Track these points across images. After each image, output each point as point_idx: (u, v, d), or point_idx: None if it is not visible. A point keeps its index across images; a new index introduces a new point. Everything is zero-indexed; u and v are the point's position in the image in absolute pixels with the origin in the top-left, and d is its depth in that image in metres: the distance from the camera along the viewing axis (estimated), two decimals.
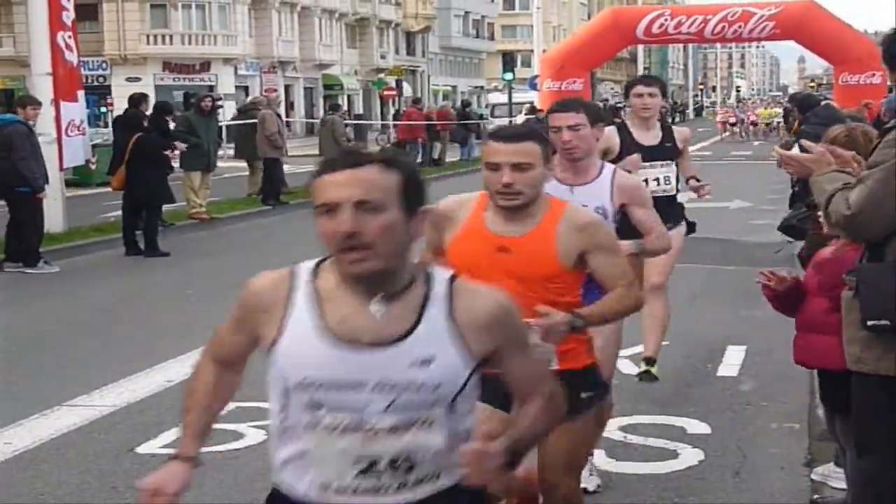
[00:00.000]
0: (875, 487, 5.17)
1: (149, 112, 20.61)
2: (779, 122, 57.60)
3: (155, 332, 12.40)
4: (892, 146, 4.90)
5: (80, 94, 21.22)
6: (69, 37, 20.62)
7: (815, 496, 6.49)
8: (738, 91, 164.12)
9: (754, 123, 68.65)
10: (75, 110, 20.65)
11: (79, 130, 20.59)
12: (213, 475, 7.47)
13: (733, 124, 70.34)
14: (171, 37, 71.45)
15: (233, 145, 34.26)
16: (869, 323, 4.92)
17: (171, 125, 22.36)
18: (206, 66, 71.85)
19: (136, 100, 20.65)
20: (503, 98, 62.22)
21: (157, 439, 8.28)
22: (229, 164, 40.31)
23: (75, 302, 14.82)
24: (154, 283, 16.02)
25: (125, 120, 20.21)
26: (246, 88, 74.23)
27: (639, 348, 10.95)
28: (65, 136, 20.15)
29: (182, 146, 21.12)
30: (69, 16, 20.74)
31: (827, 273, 5.57)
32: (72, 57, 20.75)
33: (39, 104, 18.22)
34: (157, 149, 19.14)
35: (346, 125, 35.45)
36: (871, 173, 4.91)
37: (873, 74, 40.26)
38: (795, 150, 6.47)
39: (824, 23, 45.24)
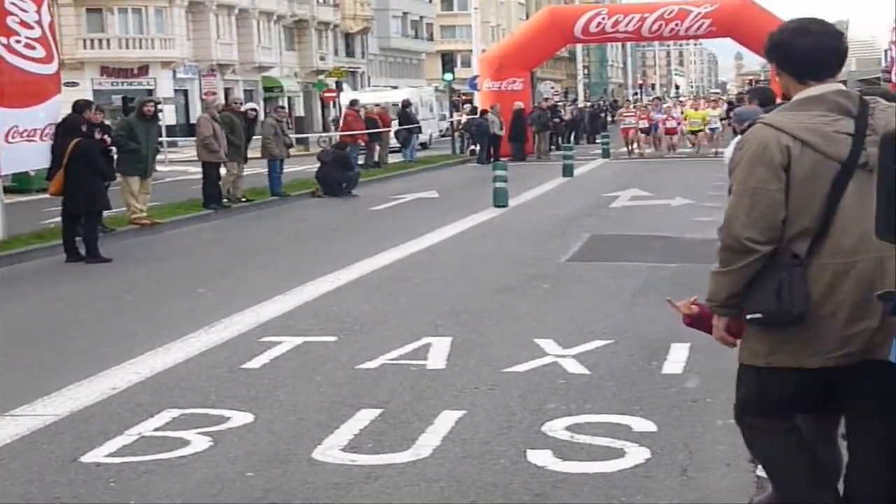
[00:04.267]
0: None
1: (95, 118, 20.41)
2: (713, 130, 45.51)
3: (98, 339, 12.30)
4: (742, 147, 5.17)
5: (53, 100, 20.97)
6: (19, 42, 20.42)
7: (755, 498, 6.52)
8: (676, 88, 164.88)
9: (670, 132, 47.22)
10: (21, 117, 20.39)
11: (23, 137, 20.35)
12: (159, 483, 7.42)
13: (645, 131, 48.15)
14: (108, 41, 70.99)
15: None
16: (748, 316, 5.17)
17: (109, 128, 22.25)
18: (144, 69, 71.45)
19: (80, 106, 20.48)
20: (361, 97, 55.64)
21: (102, 448, 8.19)
22: (171, 168, 40.16)
23: (15, 310, 14.71)
24: (96, 290, 15.91)
25: (65, 126, 20.03)
26: (185, 92, 73.96)
27: (586, 345, 11.02)
28: (4, 143, 19.97)
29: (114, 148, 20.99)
30: (20, 19, 20.52)
31: None
32: (22, 63, 20.55)
33: None
34: (96, 154, 19.00)
35: (287, 127, 35.28)
36: (733, 179, 5.17)
37: None
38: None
39: (760, 19, 45.44)
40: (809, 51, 5.20)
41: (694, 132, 46.69)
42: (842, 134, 5.04)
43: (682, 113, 48.92)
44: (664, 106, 51.77)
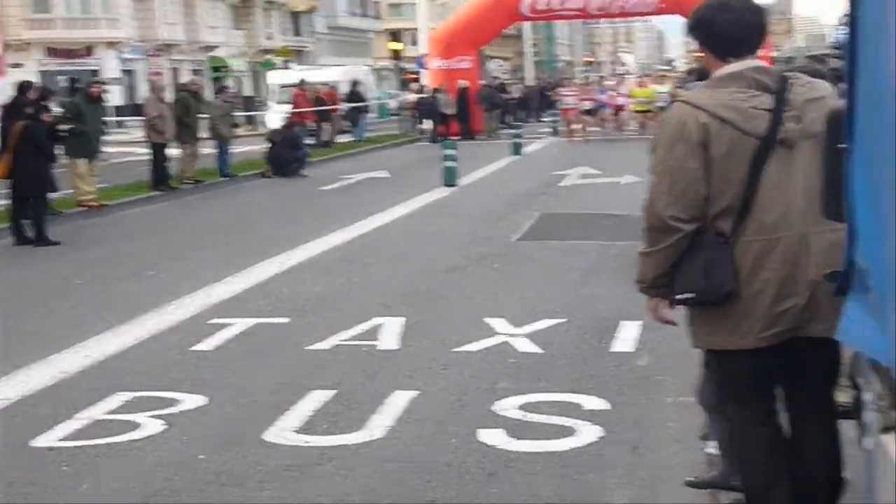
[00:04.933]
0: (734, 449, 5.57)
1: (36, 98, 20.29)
2: (662, 108, 36.52)
3: (47, 322, 12.24)
4: (662, 127, 5.18)
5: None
6: None
7: (689, 477, 6.60)
8: (624, 66, 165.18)
9: (619, 109, 44.32)
10: None
11: None
12: (112, 467, 7.41)
13: (589, 112, 43.72)
14: (53, 21, 70.34)
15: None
16: (677, 297, 5.21)
17: (55, 110, 22.08)
18: (89, 50, 70.81)
19: (24, 87, 20.33)
20: (291, 77, 54.67)
21: (53, 431, 8.18)
22: (119, 149, 39.89)
23: None
24: (44, 273, 15.80)
25: (11, 107, 19.85)
26: (131, 73, 73.36)
27: (538, 324, 11.05)
28: None
29: (65, 126, 20.85)
30: None
31: None
32: None
33: None
34: (43, 137, 18.87)
35: (235, 107, 35.14)
36: (654, 157, 5.18)
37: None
38: None
39: None
40: (731, 27, 5.20)
41: (641, 111, 42.82)
42: (760, 110, 5.05)
43: (627, 91, 45.25)
44: (608, 83, 48.69)
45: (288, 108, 44.80)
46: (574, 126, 43.07)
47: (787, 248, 5.02)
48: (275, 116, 47.47)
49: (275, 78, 59.13)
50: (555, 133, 45.11)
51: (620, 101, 43.87)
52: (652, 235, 5.16)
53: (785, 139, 5.01)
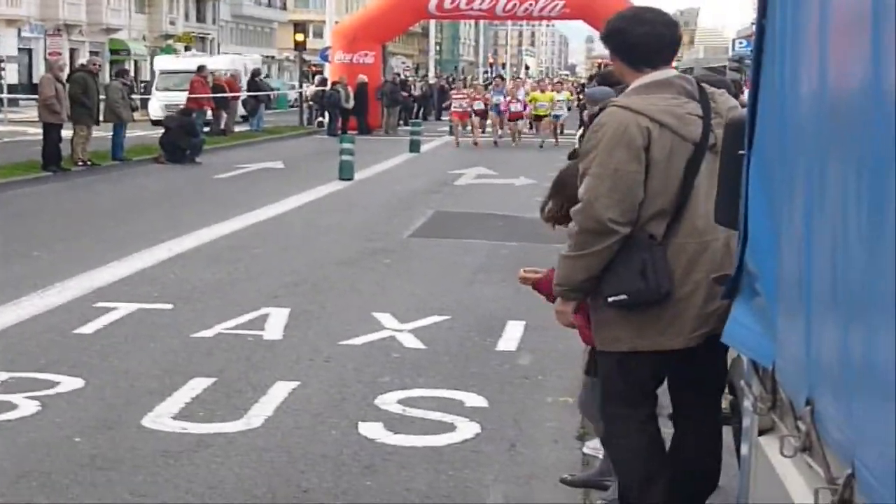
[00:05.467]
0: (616, 453, 5.62)
1: None
2: (557, 117, 41.04)
3: None
4: (597, 131, 5.18)
5: None
6: None
7: (563, 475, 6.66)
8: (526, 69, 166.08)
9: (516, 117, 41.52)
10: None
11: None
12: None
13: (480, 113, 41.72)
14: None
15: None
16: (609, 299, 5.20)
17: None
18: None
19: None
20: (175, 63, 54.07)
21: None
22: (10, 128, 39.33)
23: None
24: None
25: None
26: (30, 51, 72.35)
27: (424, 321, 11.06)
28: None
29: None
30: None
31: None
32: None
33: None
34: None
35: (131, 92, 34.72)
36: (590, 162, 5.18)
37: None
38: None
39: (612, 3, 45.79)
40: (644, 38, 5.28)
41: (539, 117, 41.43)
42: (693, 116, 5.15)
43: (526, 95, 43.30)
44: (506, 87, 45.45)
45: (170, 94, 44.32)
46: (464, 129, 41.66)
47: (715, 250, 5.12)
48: (156, 103, 46.85)
49: (158, 63, 56.81)
50: (451, 132, 43.46)
51: (517, 106, 41.48)
52: (586, 238, 5.16)
53: (714, 145, 5.08)
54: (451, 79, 67.88)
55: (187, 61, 51.71)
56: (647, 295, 5.11)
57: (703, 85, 5.34)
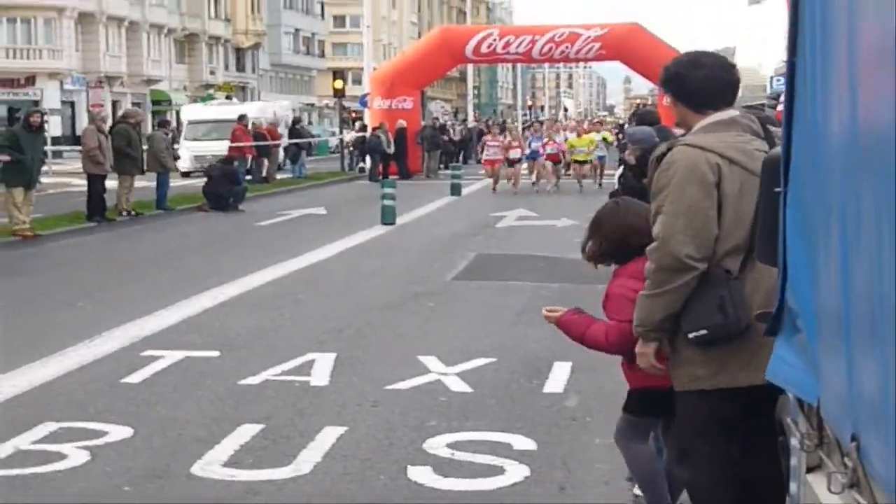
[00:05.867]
0: (698, 496, 5.49)
1: None
2: (601, 159, 39.51)
3: None
4: (668, 169, 5.22)
5: None
6: None
7: None
8: (565, 111, 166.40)
9: (554, 159, 38.66)
10: None
11: None
12: (35, 497, 7.35)
13: (513, 162, 38.54)
14: None
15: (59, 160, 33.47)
16: (690, 335, 5.19)
17: None
18: (31, 80, 70.53)
19: None
20: (203, 112, 52.25)
21: None
22: (54, 179, 39.66)
23: None
24: None
25: None
26: (72, 104, 73.10)
27: (469, 364, 11.07)
28: None
29: (5, 157, 20.75)
30: None
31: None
32: None
33: None
34: None
35: (174, 142, 34.95)
36: (662, 200, 5.22)
37: None
38: None
39: (648, 45, 46.08)
40: (704, 82, 5.37)
41: (580, 162, 39.04)
42: (760, 152, 5.17)
43: (565, 140, 40.48)
44: (550, 123, 44.18)
45: (198, 144, 44.23)
46: (498, 177, 38.47)
47: None
48: (185, 154, 45.24)
49: (186, 113, 55.03)
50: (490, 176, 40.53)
51: (553, 148, 38.70)
52: (662, 276, 5.20)
53: None
54: (489, 122, 67.58)
55: (215, 110, 50.92)
56: (726, 329, 5.12)
57: (767, 125, 5.40)
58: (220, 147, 40.19)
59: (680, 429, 5.52)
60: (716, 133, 5.26)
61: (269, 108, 52.70)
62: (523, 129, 50.83)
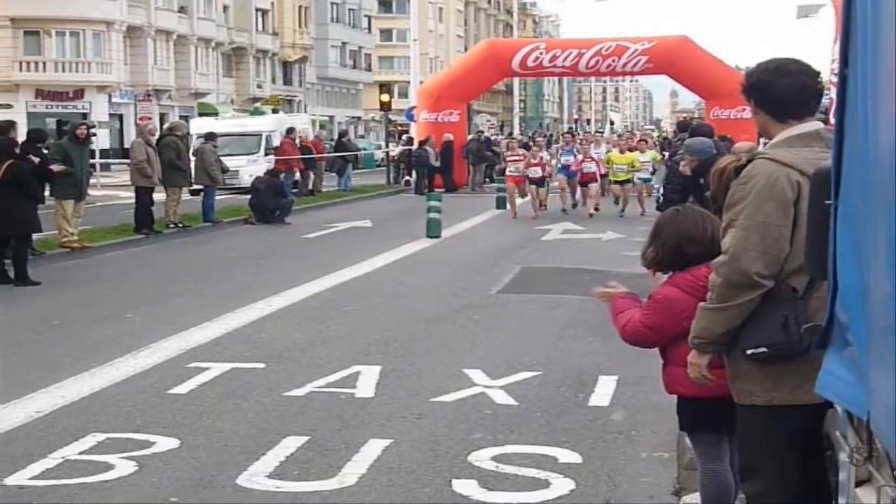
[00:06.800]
0: None
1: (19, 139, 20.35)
2: (645, 182, 32.93)
3: (23, 362, 12.19)
4: (746, 182, 5.11)
5: None
6: None
7: None
8: (611, 124, 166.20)
9: (587, 180, 33.54)
10: None
11: None
12: None
13: (537, 181, 33.12)
14: (44, 63, 70.45)
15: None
16: (748, 352, 5.12)
17: (45, 152, 22.13)
18: (79, 93, 70.98)
19: (3, 127, 20.35)
20: (213, 126, 39.90)
21: (26, 470, 8.14)
22: (102, 192, 39.90)
23: None
24: (23, 314, 15.75)
25: None
26: (121, 116, 73.56)
27: (515, 377, 11.05)
28: None
29: (60, 167, 20.89)
30: None
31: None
32: None
33: None
34: (28, 177, 18.85)
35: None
36: (737, 213, 5.11)
37: (743, 109, 40.60)
38: None
39: (696, 58, 45.94)
40: (790, 90, 5.25)
41: (620, 182, 33.18)
42: None
43: (606, 154, 35.22)
44: (584, 136, 36.76)
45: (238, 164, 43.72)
46: (518, 198, 33.59)
47: None
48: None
49: (195, 127, 45.94)
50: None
51: (590, 166, 33.49)
52: (730, 291, 5.12)
53: None
54: (534, 136, 67.31)
55: (226, 123, 49.05)
56: (787, 348, 5.05)
57: None
58: (231, 163, 37.11)
59: (742, 444, 5.45)
60: (798, 147, 5.15)
61: (286, 122, 51.21)
62: (548, 142, 47.30)
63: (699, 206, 6.73)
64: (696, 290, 5.76)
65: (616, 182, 33.43)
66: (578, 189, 34.56)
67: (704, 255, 5.84)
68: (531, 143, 42.86)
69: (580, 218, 31.41)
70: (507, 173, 34.32)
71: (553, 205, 34.11)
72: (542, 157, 34.38)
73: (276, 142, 44.39)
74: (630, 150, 34.92)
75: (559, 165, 34.63)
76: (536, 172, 33.03)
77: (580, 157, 33.93)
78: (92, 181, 29.54)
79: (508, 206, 33.40)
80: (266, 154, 44.41)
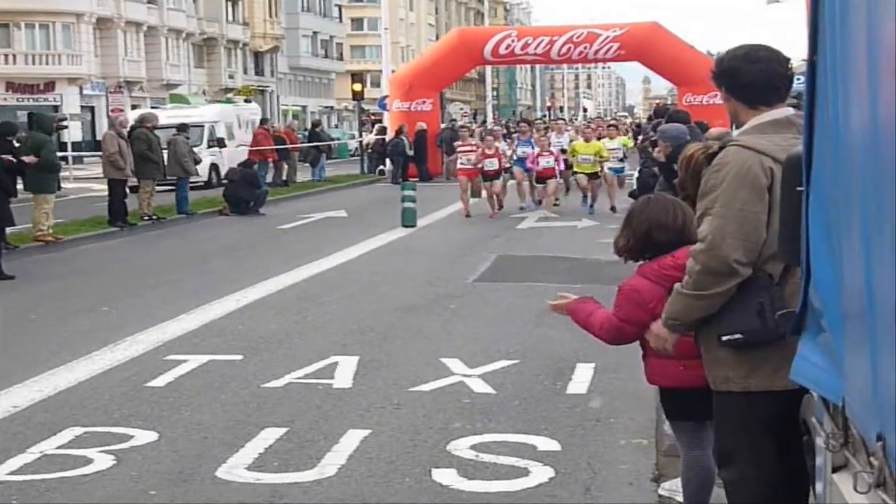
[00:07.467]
0: (736, 497, 5.40)
1: None
2: (616, 173, 30.53)
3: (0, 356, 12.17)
4: (720, 170, 5.13)
5: None
6: None
7: None
8: (584, 111, 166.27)
9: (544, 176, 29.61)
10: None
11: None
12: (63, 501, 7.39)
13: (491, 174, 28.95)
14: (14, 56, 70.20)
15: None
16: (724, 338, 5.14)
17: (16, 146, 22.03)
18: (50, 85, 70.71)
19: None
20: (167, 116, 38.79)
21: (3, 466, 8.13)
22: (75, 185, 39.76)
23: None
24: None
25: None
26: (92, 109, 73.32)
27: (492, 365, 11.08)
28: None
29: (32, 158, 20.82)
30: None
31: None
32: None
33: None
34: (1, 172, 18.80)
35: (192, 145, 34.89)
36: (712, 202, 5.11)
37: (715, 95, 40.75)
38: None
39: (668, 44, 46.01)
40: (760, 77, 5.25)
41: (588, 175, 29.61)
42: None
43: (569, 143, 32.49)
44: (534, 136, 32.55)
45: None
46: (468, 197, 29.61)
47: None
48: None
49: (131, 118, 44.36)
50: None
51: (547, 161, 29.45)
52: (708, 279, 5.12)
53: None
54: (509, 123, 66.88)
55: (167, 114, 46.94)
56: (762, 335, 5.06)
57: None
58: None
59: (719, 430, 5.46)
60: (770, 134, 5.16)
61: (232, 112, 50.31)
62: (506, 133, 42.85)
63: (670, 193, 6.75)
64: (663, 279, 5.78)
65: (580, 173, 29.86)
66: (537, 188, 30.74)
67: (674, 243, 5.87)
68: (511, 131, 41.43)
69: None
70: (459, 165, 30.65)
71: (510, 202, 30.71)
72: (497, 148, 30.12)
73: (221, 133, 44.00)
74: (599, 137, 32.53)
75: (514, 158, 31.19)
76: (493, 165, 29.11)
77: (537, 149, 30.12)
78: (64, 174, 29.42)
79: (461, 203, 29.65)
80: (209, 147, 42.55)
